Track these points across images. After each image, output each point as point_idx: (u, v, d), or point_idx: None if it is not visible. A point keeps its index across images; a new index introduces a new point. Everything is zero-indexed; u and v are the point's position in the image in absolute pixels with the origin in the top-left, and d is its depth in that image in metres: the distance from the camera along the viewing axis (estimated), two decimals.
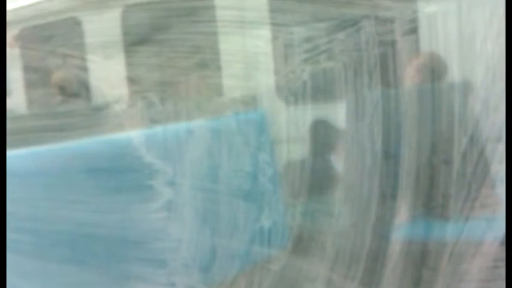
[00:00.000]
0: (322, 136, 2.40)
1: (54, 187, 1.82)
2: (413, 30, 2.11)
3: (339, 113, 2.23)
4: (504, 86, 1.80)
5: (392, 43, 2.06)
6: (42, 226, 1.75)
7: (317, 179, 2.30)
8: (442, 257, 1.86)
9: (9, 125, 1.75)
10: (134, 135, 2.13)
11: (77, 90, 2.90)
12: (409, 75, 2.22)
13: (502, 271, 1.71)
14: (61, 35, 3.14)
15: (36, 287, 1.72)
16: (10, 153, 1.65)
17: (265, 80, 2.52)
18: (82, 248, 1.83)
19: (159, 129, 2.24)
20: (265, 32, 2.48)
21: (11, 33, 3.13)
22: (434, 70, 2.18)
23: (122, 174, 2.00)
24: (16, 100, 3.17)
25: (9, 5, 2.44)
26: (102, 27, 3.06)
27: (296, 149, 2.45)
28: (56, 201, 1.81)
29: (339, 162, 2.32)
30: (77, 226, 1.84)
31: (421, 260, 1.92)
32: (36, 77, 3.09)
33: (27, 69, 3.16)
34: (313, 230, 2.17)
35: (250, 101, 2.54)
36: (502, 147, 1.81)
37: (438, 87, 2.16)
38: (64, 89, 2.94)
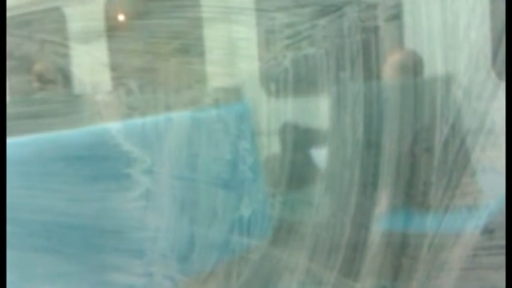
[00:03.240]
0: (294, 133, 2.38)
1: (31, 176, 1.79)
2: (397, 17, 2.09)
3: (320, 102, 2.20)
4: (486, 74, 1.79)
5: (376, 29, 2.04)
6: (18, 215, 1.72)
7: (296, 171, 2.28)
8: (422, 246, 1.86)
9: None
10: (112, 122, 2.09)
11: (54, 77, 2.85)
12: (387, 74, 2.21)
13: (483, 260, 1.71)
14: (39, 20, 3.07)
15: (12, 277, 1.68)
16: None
17: (248, 66, 2.49)
18: (59, 237, 1.80)
19: (137, 116, 2.20)
20: (248, 18, 2.45)
21: None
22: (411, 68, 2.18)
23: (99, 162, 1.96)
24: None
25: None
26: (82, 13, 3.01)
27: (276, 140, 2.43)
28: (32, 190, 1.78)
29: (318, 155, 2.31)
30: (53, 215, 1.80)
31: (401, 249, 1.91)
32: (13, 63, 3.02)
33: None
34: (293, 220, 2.16)
35: (233, 90, 2.51)
36: (483, 136, 1.80)
37: (421, 78, 2.15)
38: (41, 75, 2.88)
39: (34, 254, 1.75)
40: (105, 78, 2.75)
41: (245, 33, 2.44)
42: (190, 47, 2.62)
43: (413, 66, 2.16)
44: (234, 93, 2.47)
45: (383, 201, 2.00)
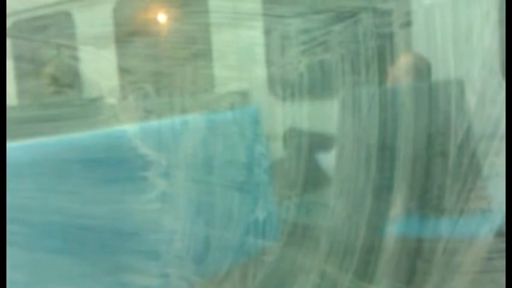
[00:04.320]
0: (308, 137, 2.40)
1: (47, 178, 1.80)
2: (411, 23, 2.12)
3: (334, 107, 2.22)
4: (500, 80, 1.81)
5: (390, 35, 2.06)
6: (34, 217, 1.74)
7: (305, 177, 2.30)
8: (437, 249, 1.87)
9: None
10: (128, 126, 2.12)
11: (70, 80, 2.88)
12: (396, 76, 2.23)
13: (497, 263, 1.72)
14: (54, 25, 3.11)
15: (28, 279, 1.70)
16: None
17: (261, 72, 2.51)
18: (74, 239, 1.81)
19: (153, 120, 2.23)
20: (263, 24, 2.48)
21: None
22: (425, 73, 2.20)
23: (116, 165, 1.98)
24: (8, 91, 3.13)
25: None
26: (96, 18, 3.04)
27: (291, 145, 2.45)
28: (48, 192, 1.79)
29: (327, 159, 2.33)
30: (69, 217, 1.82)
31: (416, 252, 1.93)
32: (29, 67, 3.06)
33: (19, 59, 3.13)
34: (307, 222, 2.18)
35: (246, 95, 2.54)
36: (497, 140, 1.82)
37: (434, 82, 2.17)
38: (57, 79, 2.91)
39: (49, 255, 1.76)
40: (120, 82, 2.78)
41: (260, 39, 2.46)
42: (205, 52, 2.65)
43: (427, 72, 2.18)
44: (250, 98, 2.50)
45: (396, 204, 2.02)
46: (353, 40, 2.06)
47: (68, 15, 3.18)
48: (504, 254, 1.55)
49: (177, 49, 2.63)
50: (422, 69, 2.21)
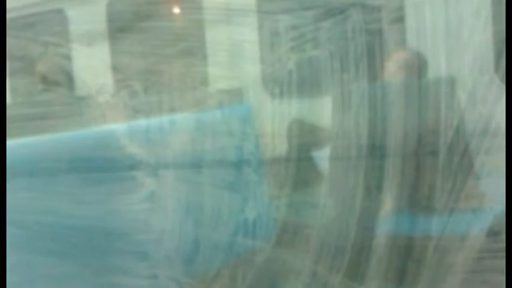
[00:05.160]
0: (299, 136, 2.39)
1: (36, 178, 1.79)
2: (401, 19, 2.10)
3: (324, 104, 2.21)
4: (491, 77, 1.79)
5: (380, 32, 2.04)
6: (23, 217, 1.72)
7: (299, 174, 2.29)
8: (427, 249, 1.86)
9: None
10: (117, 125, 2.10)
11: (59, 78, 2.85)
12: (391, 72, 2.21)
13: (488, 262, 1.72)
14: (43, 22, 3.09)
15: (17, 279, 1.68)
16: None
17: (251, 69, 2.50)
18: (64, 239, 1.80)
19: (142, 119, 2.21)
20: (251, 20, 2.46)
21: None
22: (417, 67, 2.19)
23: (104, 164, 1.96)
24: None
25: None
26: (85, 15, 3.02)
27: (280, 143, 2.44)
28: (36, 192, 1.78)
29: (322, 157, 2.32)
30: (58, 217, 1.81)
31: (407, 252, 1.92)
32: (17, 65, 3.03)
33: (7, 57, 3.10)
34: (297, 222, 2.16)
35: (236, 93, 2.52)
36: (487, 139, 1.81)
37: (424, 80, 2.16)
38: (46, 77, 2.88)
39: (38, 256, 1.75)
40: (109, 80, 2.76)
41: (249, 36, 2.45)
42: (195, 49, 2.63)
43: (417, 69, 2.16)
44: (238, 95, 2.48)
45: (387, 204, 2.01)
46: (343, 36, 2.04)
47: (58, 12, 3.16)
48: (496, 254, 1.55)
49: (168, 46, 2.61)
50: (413, 66, 2.20)
